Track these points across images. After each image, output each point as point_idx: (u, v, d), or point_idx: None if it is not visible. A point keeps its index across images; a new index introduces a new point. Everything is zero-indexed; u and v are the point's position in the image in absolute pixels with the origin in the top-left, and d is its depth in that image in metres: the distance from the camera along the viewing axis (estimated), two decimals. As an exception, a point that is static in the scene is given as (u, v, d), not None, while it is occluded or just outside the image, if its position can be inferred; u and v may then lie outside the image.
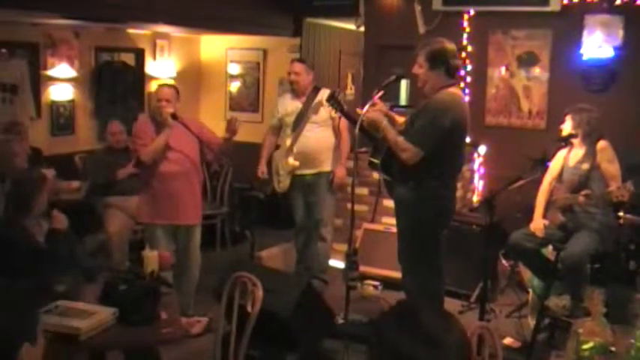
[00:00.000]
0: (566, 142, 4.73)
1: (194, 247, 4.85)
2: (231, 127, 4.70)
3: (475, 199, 6.62)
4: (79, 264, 3.59)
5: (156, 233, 4.67)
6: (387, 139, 4.01)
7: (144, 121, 4.82)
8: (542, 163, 4.84)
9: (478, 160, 6.61)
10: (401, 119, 4.25)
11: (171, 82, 7.05)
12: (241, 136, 4.97)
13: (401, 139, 3.94)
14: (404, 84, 6.97)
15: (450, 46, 3.98)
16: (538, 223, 4.71)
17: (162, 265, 3.67)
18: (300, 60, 5.70)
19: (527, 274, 5.10)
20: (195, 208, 4.81)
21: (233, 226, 7.22)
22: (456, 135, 3.96)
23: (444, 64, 3.95)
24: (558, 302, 4.46)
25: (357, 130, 3.94)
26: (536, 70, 6.40)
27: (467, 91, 6.53)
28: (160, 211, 4.65)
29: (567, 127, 4.70)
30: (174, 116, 4.57)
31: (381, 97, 4.12)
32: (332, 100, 4.58)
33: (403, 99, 7.02)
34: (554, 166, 4.82)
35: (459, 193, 4.88)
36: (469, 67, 6.59)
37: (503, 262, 5.73)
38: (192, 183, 4.76)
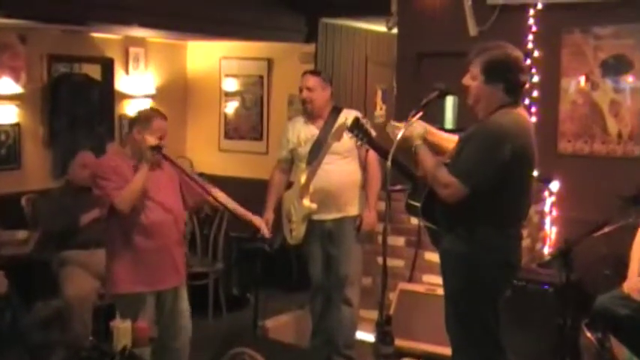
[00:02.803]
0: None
1: (184, 308, 4.84)
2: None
3: (546, 250, 6.57)
4: (26, 338, 3.56)
5: (145, 302, 4.59)
6: (422, 168, 3.98)
7: (116, 153, 4.72)
8: (638, 203, 4.79)
9: (550, 200, 6.56)
10: (451, 144, 4.20)
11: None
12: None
13: (442, 169, 3.91)
14: (450, 102, 6.95)
15: (516, 54, 3.96)
16: (634, 283, 4.67)
17: (138, 339, 3.66)
18: (314, 72, 5.74)
19: (622, 350, 5.04)
20: (183, 264, 4.87)
21: (230, 288, 7.25)
22: (520, 168, 3.93)
23: (504, 79, 3.92)
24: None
25: (389, 163, 3.92)
26: (629, 79, 6.32)
27: (533, 109, 6.50)
28: (146, 274, 4.60)
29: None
30: (156, 148, 4.54)
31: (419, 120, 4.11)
32: (356, 128, 4.52)
33: (449, 121, 7.01)
34: (655, 206, 4.79)
35: (525, 243, 4.83)
36: (536, 78, 6.57)
37: (588, 334, 5.63)
38: (179, 233, 4.80)
